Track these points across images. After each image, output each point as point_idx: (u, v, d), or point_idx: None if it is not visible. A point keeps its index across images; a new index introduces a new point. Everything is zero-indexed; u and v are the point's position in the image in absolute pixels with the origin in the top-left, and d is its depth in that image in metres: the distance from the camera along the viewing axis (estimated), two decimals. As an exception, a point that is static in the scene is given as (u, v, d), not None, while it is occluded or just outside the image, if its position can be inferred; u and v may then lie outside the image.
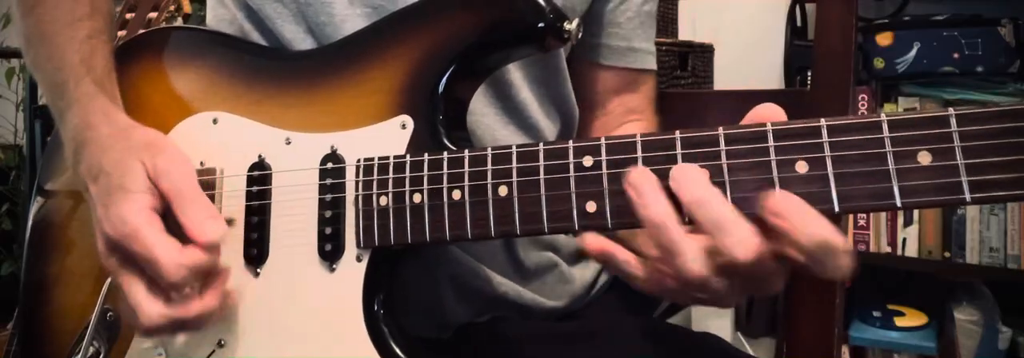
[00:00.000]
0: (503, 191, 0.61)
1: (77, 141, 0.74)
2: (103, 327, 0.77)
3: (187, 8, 1.97)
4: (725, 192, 0.53)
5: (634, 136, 0.57)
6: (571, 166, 0.59)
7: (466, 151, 0.63)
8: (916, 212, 1.65)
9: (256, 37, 0.86)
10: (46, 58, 0.80)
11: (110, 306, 0.77)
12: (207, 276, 0.67)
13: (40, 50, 0.81)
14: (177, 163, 0.70)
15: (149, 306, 0.65)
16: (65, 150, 0.76)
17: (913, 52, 1.65)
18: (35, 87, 1.95)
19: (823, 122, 0.51)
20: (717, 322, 1.82)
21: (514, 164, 0.61)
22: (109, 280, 0.76)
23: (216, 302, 0.67)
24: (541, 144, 0.61)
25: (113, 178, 0.69)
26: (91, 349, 0.77)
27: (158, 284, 0.65)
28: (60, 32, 0.80)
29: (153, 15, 1.83)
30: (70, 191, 0.87)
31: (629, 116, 0.97)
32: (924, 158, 0.49)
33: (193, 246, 0.65)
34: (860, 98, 1.69)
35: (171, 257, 0.64)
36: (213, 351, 0.72)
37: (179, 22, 1.90)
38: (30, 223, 0.91)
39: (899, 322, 1.74)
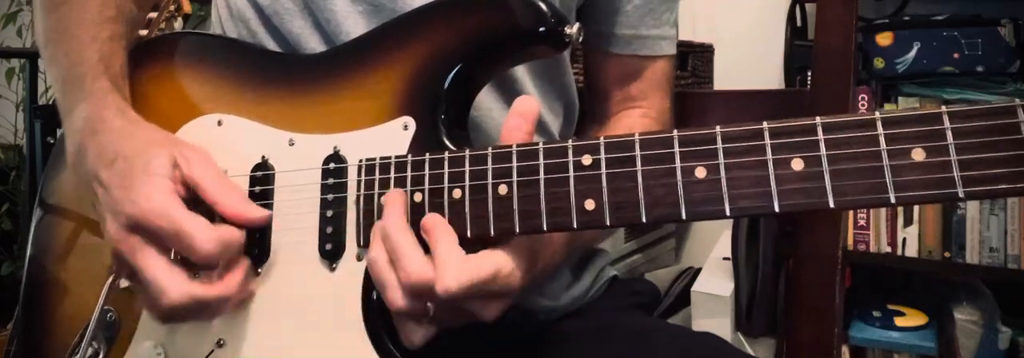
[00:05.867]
0: (503, 189, 0.61)
1: (88, 131, 0.74)
2: (103, 328, 0.78)
3: (187, 8, 1.97)
4: (721, 190, 0.54)
5: (632, 135, 0.58)
6: (571, 165, 0.59)
7: (467, 150, 0.64)
8: (916, 212, 1.65)
9: (263, 35, 0.87)
10: (64, 54, 0.80)
11: (110, 307, 0.78)
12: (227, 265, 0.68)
13: (59, 46, 0.82)
14: (204, 156, 0.72)
15: (173, 282, 0.65)
16: (68, 144, 0.76)
17: (913, 52, 1.65)
18: (35, 87, 1.95)
19: (818, 120, 0.52)
20: (717, 322, 1.82)
21: (514, 163, 0.61)
22: (110, 280, 0.76)
23: (236, 287, 0.68)
24: (541, 143, 0.61)
25: (135, 163, 0.69)
26: (90, 350, 0.77)
27: (177, 264, 0.66)
28: (84, 31, 0.81)
29: (153, 15, 1.83)
30: (73, 192, 0.87)
31: (626, 103, 0.97)
32: (918, 155, 0.50)
33: (224, 224, 0.67)
34: (860, 98, 1.69)
35: (204, 230, 0.64)
36: (212, 351, 0.72)
37: (179, 22, 1.90)
38: (34, 224, 0.91)
39: (899, 322, 1.74)
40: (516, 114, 0.64)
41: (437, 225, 0.62)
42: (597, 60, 0.97)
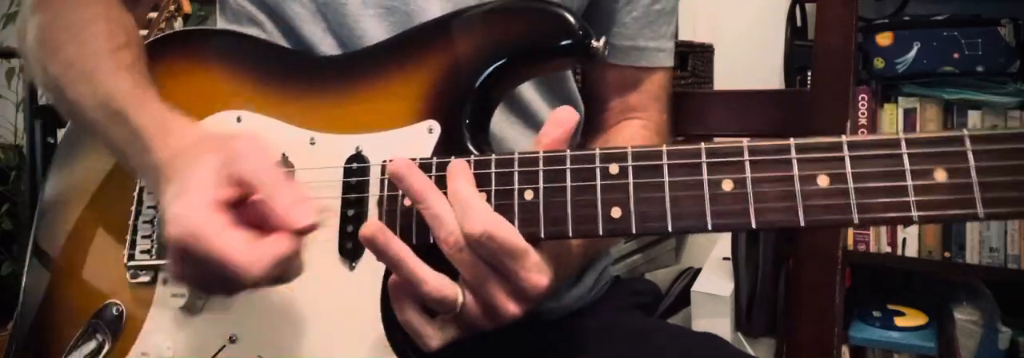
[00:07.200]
0: (529, 195, 0.61)
1: (153, 177, 0.68)
2: (108, 321, 0.78)
3: (187, 8, 1.97)
4: (747, 203, 0.55)
5: (660, 146, 0.59)
6: (598, 172, 0.60)
7: (493, 155, 0.64)
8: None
9: (278, 37, 0.86)
10: (91, 93, 0.75)
11: (117, 301, 0.78)
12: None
13: (78, 86, 0.75)
14: (254, 148, 0.62)
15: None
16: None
17: (913, 52, 1.66)
18: (35, 87, 1.95)
19: (844, 139, 0.54)
20: (717, 322, 1.83)
21: (541, 168, 0.62)
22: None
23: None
24: (568, 150, 0.61)
25: (188, 180, 0.61)
26: (94, 343, 0.77)
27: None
28: (103, 62, 0.76)
29: (153, 15, 1.82)
30: (79, 185, 0.87)
31: (627, 114, 0.97)
32: (940, 175, 0.51)
33: (275, 235, 0.58)
34: (860, 98, 1.70)
35: (243, 255, 0.56)
36: (223, 346, 0.72)
37: (179, 22, 1.90)
38: (36, 220, 0.90)
39: (899, 322, 1.76)
40: (553, 123, 0.64)
41: (460, 170, 0.62)
42: (595, 70, 0.98)
